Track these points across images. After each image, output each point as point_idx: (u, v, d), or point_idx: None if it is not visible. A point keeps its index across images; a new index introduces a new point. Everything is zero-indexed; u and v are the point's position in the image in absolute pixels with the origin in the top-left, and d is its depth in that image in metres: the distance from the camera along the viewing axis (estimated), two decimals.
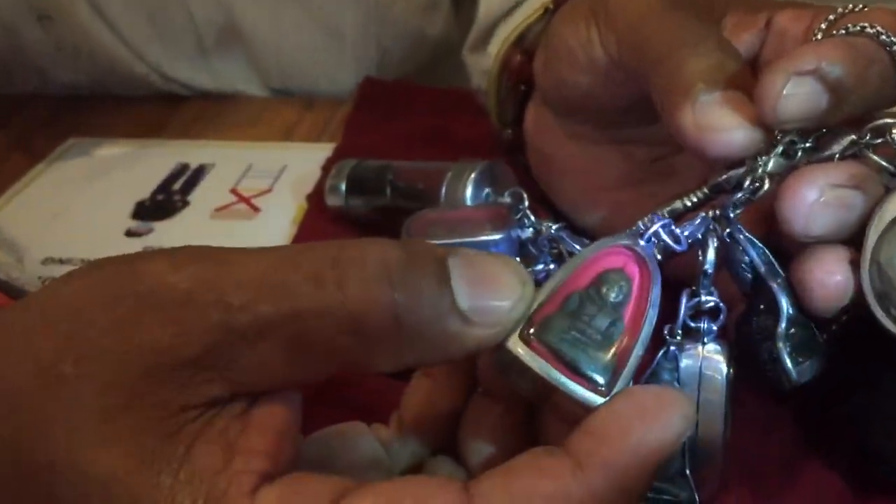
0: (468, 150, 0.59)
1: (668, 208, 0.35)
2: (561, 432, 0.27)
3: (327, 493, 0.24)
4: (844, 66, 0.30)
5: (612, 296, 0.28)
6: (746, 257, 0.33)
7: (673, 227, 0.32)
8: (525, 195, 0.43)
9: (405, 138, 0.62)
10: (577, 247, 0.39)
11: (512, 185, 0.45)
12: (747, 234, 0.33)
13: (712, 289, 0.33)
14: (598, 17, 0.39)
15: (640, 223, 0.32)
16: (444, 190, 0.45)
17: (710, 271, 0.32)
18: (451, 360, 0.27)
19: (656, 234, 0.32)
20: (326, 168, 0.58)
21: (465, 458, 0.31)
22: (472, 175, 0.44)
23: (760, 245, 0.33)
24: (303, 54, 0.70)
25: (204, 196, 0.58)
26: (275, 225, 0.55)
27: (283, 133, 0.66)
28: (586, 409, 0.26)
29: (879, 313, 0.31)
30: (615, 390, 0.27)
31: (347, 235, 0.52)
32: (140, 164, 0.62)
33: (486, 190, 0.45)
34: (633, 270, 0.29)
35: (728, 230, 0.33)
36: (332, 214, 0.53)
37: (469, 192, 0.44)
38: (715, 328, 0.33)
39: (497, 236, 0.39)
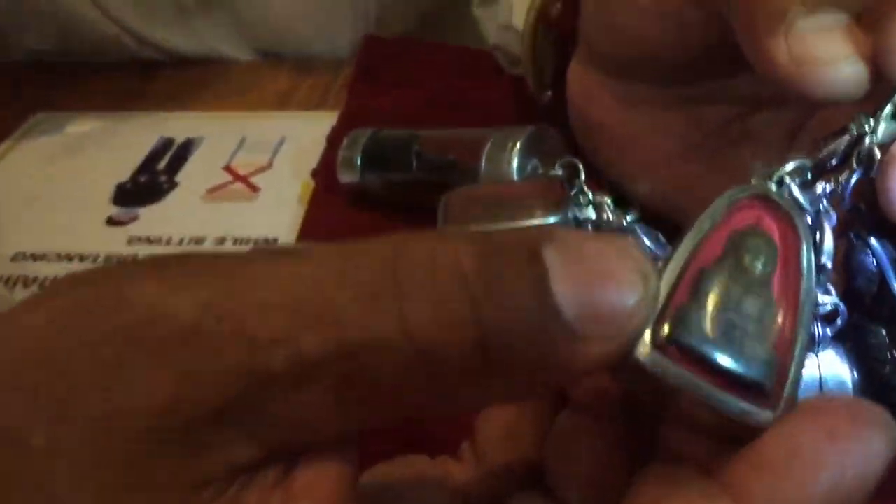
0: (490, 115, 0.53)
1: None
2: (696, 450, 0.22)
3: None
4: None
5: (758, 265, 0.21)
6: (871, 258, 0.28)
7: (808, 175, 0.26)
8: (581, 166, 0.37)
9: (417, 104, 0.56)
10: (651, 245, 0.33)
11: (562, 154, 0.39)
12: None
13: (830, 286, 0.27)
14: None
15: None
16: (483, 161, 0.39)
17: (829, 266, 0.26)
18: (554, 388, 0.21)
19: (783, 180, 0.25)
20: (332, 139, 0.51)
21: (557, 490, 0.25)
22: (519, 144, 0.38)
23: (891, 247, 0.27)
24: (294, 11, 0.63)
25: (194, 175, 0.51)
26: (279, 206, 0.48)
27: (278, 101, 0.59)
28: (751, 428, 0.20)
29: None
30: (784, 397, 0.20)
31: (365, 216, 0.46)
32: (118, 140, 0.55)
33: (534, 160, 0.39)
34: (772, 227, 0.22)
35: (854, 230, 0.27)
36: (345, 192, 0.46)
37: (515, 163, 0.38)
38: (830, 334, 0.27)
39: (551, 219, 0.33)
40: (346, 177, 0.45)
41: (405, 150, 0.42)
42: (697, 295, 0.21)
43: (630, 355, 0.20)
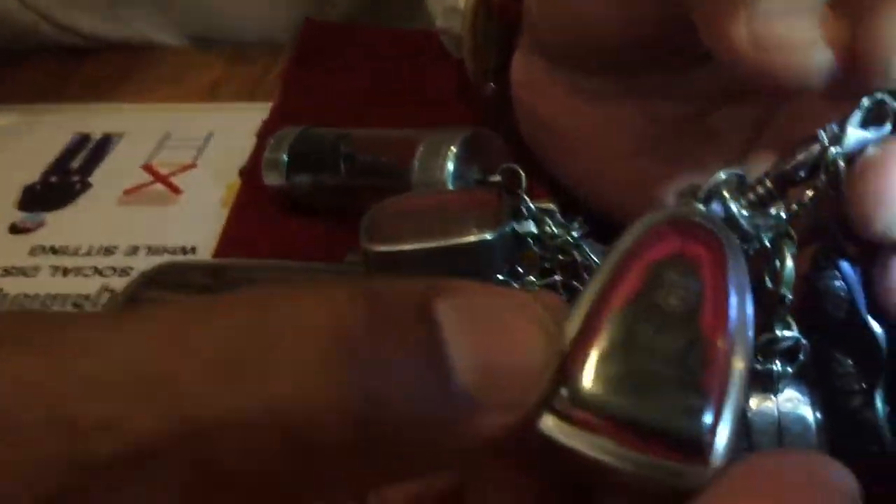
0: (434, 105, 0.49)
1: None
2: None
3: None
4: None
5: (674, 301, 0.18)
6: (838, 283, 0.24)
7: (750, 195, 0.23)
8: (522, 174, 0.33)
9: (358, 94, 0.51)
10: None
11: (503, 159, 0.35)
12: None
13: (790, 320, 0.23)
14: None
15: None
16: (415, 166, 0.35)
17: (788, 298, 0.23)
18: (446, 469, 0.18)
19: (719, 194, 0.22)
20: (262, 135, 0.47)
21: None
22: (454, 148, 0.34)
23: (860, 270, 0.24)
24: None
25: (110, 175, 0.47)
26: (201, 210, 0.44)
27: (208, 91, 0.55)
28: (688, 489, 0.17)
29: None
30: (717, 448, 0.17)
31: (292, 222, 0.42)
32: (31, 137, 0.50)
33: (472, 166, 0.35)
34: (698, 252, 0.19)
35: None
36: (273, 194, 0.42)
37: (449, 169, 0.34)
38: (792, 371, 0.24)
39: (487, 236, 0.30)
40: (272, 179, 0.41)
41: (333, 152, 0.38)
42: (607, 343, 0.18)
43: (534, 424, 0.17)
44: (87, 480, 0.14)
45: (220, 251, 0.40)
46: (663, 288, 0.18)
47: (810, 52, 0.23)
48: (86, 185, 0.46)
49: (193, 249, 0.41)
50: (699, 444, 0.17)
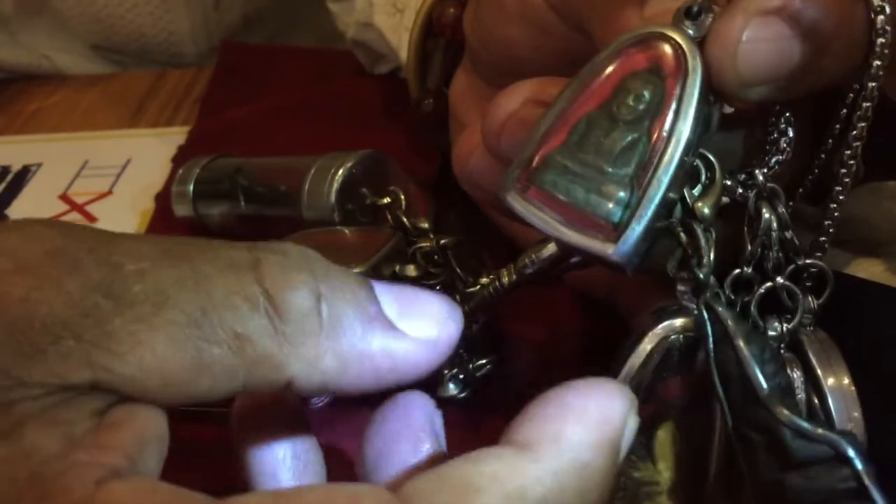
0: (350, 121, 0.50)
1: None
2: None
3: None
4: (820, 3, 0.22)
5: (627, 110, 0.22)
6: None
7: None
8: (402, 197, 0.34)
9: (276, 113, 0.52)
10: (461, 273, 0.32)
11: (398, 180, 0.36)
12: None
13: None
14: None
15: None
16: (305, 192, 0.36)
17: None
18: (381, 383, 0.22)
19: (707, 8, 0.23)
20: (177, 160, 0.48)
21: None
22: (340, 173, 0.35)
23: None
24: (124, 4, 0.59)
25: (27, 207, 0.47)
26: None
27: (130, 115, 0.55)
28: (602, 258, 0.22)
29: None
30: (626, 232, 0.21)
31: None
32: None
33: (363, 190, 0.36)
34: (662, 66, 0.22)
35: None
36: (185, 222, 0.43)
37: (335, 196, 0.35)
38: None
39: (356, 269, 0.31)
40: (182, 211, 0.42)
41: (231, 183, 0.39)
42: (569, 138, 0.22)
43: (501, 195, 0.23)
44: (118, 307, 0.19)
45: None
46: (622, 95, 0.22)
47: None
48: (2, 219, 0.46)
49: None
50: (613, 227, 0.21)
